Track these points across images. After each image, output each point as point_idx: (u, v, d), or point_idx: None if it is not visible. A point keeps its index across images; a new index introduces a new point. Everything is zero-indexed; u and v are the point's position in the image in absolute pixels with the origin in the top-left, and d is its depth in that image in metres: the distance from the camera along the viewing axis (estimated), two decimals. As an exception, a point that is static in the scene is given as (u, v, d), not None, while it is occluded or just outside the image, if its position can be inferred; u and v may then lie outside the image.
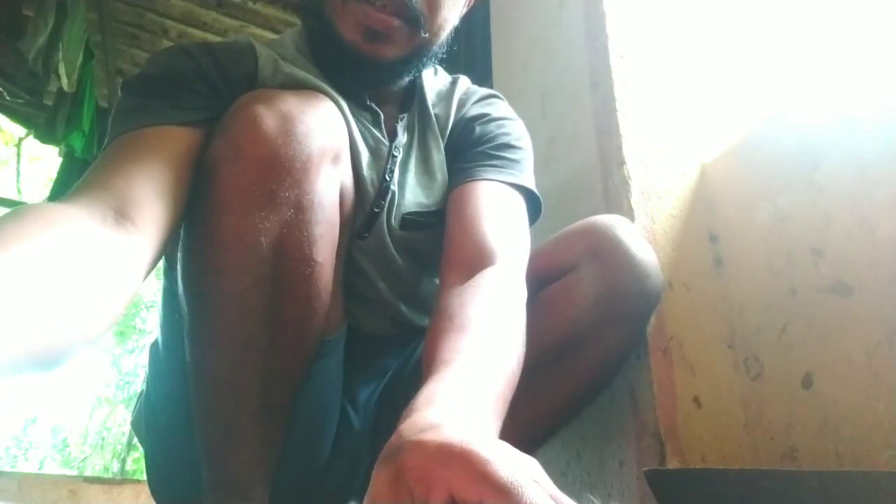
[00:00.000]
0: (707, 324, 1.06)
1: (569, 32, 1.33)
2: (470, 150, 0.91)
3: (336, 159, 0.76)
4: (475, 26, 1.80)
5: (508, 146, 0.91)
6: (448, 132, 0.96)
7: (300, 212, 0.70)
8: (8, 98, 3.63)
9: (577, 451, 1.12)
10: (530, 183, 0.89)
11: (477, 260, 0.73)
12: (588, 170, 1.19)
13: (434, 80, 1.01)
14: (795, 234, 0.97)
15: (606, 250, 0.87)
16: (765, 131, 1.07)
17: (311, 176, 0.70)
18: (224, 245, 0.68)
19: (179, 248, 0.72)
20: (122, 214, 0.61)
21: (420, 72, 0.94)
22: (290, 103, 0.71)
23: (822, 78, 1.03)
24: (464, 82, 1.03)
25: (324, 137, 0.73)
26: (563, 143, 1.31)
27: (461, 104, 0.99)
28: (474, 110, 0.97)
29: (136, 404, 0.91)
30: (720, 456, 0.99)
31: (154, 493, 0.86)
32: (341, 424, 0.86)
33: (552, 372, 0.85)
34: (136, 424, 0.89)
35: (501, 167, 0.87)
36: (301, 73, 0.83)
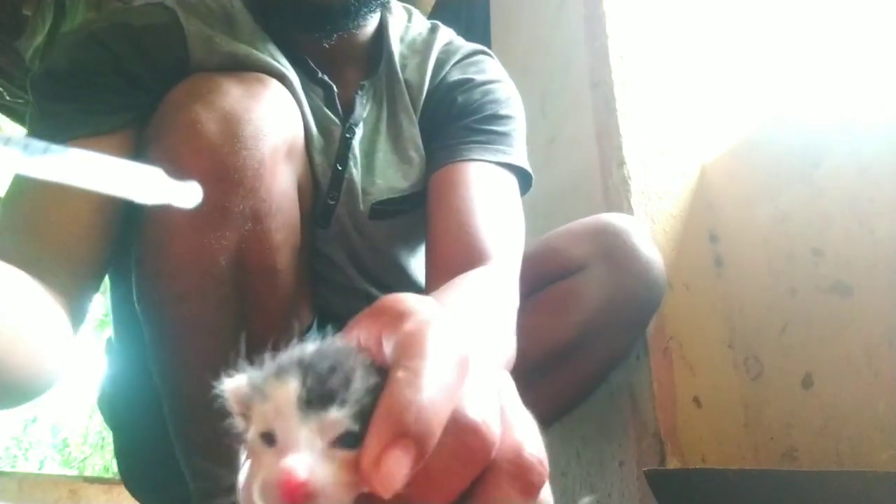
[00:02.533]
0: (707, 324, 1.06)
1: (569, 32, 1.33)
2: (452, 123, 0.79)
3: (290, 152, 0.68)
4: (475, 27, 1.79)
5: (496, 117, 0.79)
6: (422, 101, 0.82)
7: (258, 222, 0.63)
8: (8, 98, 3.63)
9: (577, 451, 1.12)
10: (522, 159, 0.79)
11: (466, 263, 0.64)
12: (588, 170, 1.19)
13: (406, 27, 0.87)
14: (795, 234, 0.97)
15: (620, 255, 0.85)
16: (765, 131, 1.07)
17: (265, 182, 0.63)
18: (180, 271, 0.62)
19: (133, 274, 0.66)
20: (37, 277, 0.56)
21: (385, 6, 0.81)
22: (233, 97, 0.62)
23: (821, 78, 1.03)
24: (444, 34, 0.88)
25: (275, 134, 0.64)
26: (563, 143, 1.31)
27: (439, 65, 0.84)
28: (455, 74, 0.83)
29: (100, 387, 0.87)
30: (720, 456, 0.99)
31: (125, 480, 0.84)
32: None
33: (557, 371, 0.85)
34: (100, 405, 0.86)
35: (489, 143, 0.77)
36: (242, 50, 0.70)
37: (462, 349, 0.24)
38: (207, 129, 0.60)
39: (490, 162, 0.75)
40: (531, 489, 0.23)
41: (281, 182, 0.66)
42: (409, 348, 0.24)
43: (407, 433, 0.21)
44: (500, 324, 0.57)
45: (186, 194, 0.21)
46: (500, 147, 0.77)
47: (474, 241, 0.67)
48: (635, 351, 1.02)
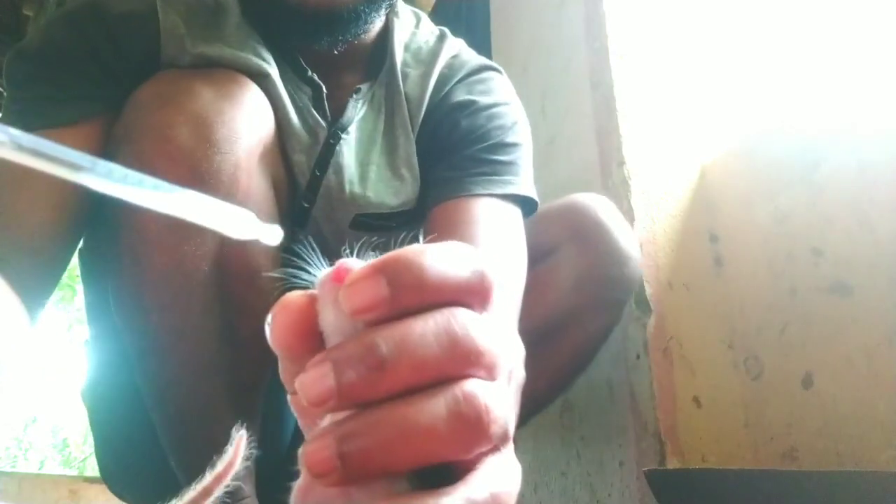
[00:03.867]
0: (707, 324, 1.06)
1: (569, 32, 1.33)
2: (456, 152, 0.76)
3: (265, 152, 0.66)
4: (475, 27, 1.79)
5: (502, 145, 0.77)
6: (421, 117, 0.79)
7: None
8: (8, 98, 3.63)
9: (577, 450, 1.12)
10: (527, 186, 0.78)
11: None
12: (588, 170, 1.19)
13: (413, 33, 0.83)
14: (795, 234, 0.97)
15: (586, 233, 0.84)
16: (765, 132, 1.07)
17: (242, 185, 0.62)
18: (162, 281, 0.61)
19: (111, 285, 0.64)
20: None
21: (392, 5, 0.76)
22: (204, 99, 0.61)
23: (822, 79, 1.03)
24: (451, 45, 0.84)
25: (250, 136, 0.63)
26: (563, 143, 1.31)
27: (442, 80, 0.80)
28: (459, 94, 0.79)
29: (83, 383, 0.86)
30: (720, 456, 0.99)
31: (104, 475, 0.84)
32: None
33: (532, 357, 0.83)
34: (83, 398, 0.85)
35: (494, 175, 0.74)
36: (215, 50, 0.67)
37: (482, 265, 0.25)
38: (179, 133, 0.58)
39: (494, 195, 0.73)
40: (470, 439, 0.23)
41: (258, 184, 0.65)
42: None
43: (381, 272, 0.23)
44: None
45: (271, 233, 0.24)
46: (506, 178, 0.75)
47: None
48: (635, 350, 1.02)
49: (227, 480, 0.29)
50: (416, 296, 0.23)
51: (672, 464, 0.95)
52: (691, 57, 1.24)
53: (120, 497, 0.86)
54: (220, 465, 0.29)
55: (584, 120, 1.23)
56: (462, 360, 0.23)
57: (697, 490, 0.71)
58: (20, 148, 0.20)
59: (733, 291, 1.08)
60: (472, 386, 0.23)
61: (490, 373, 0.24)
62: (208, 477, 0.29)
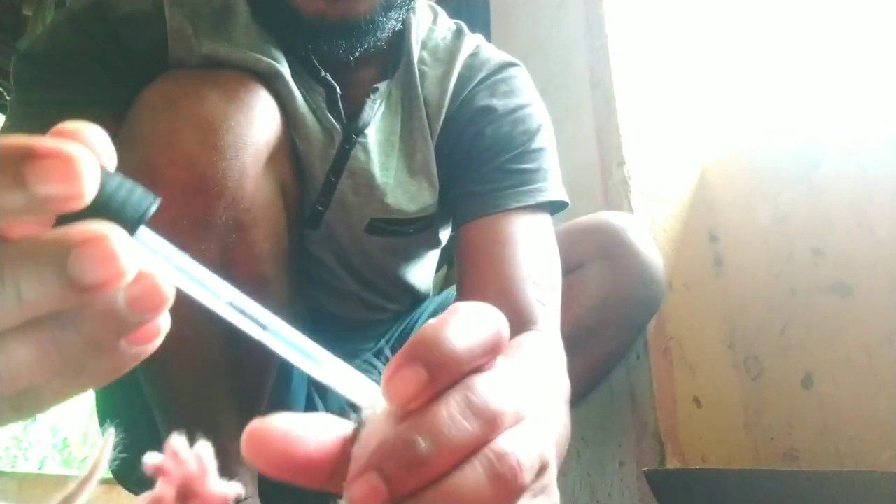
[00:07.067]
0: (707, 324, 1.06)
1: (569, 32, 1.33)
2: (482, 164, 0.74)
3: (274, 156, 0.64)
4: (475, 26, 1.79)
5: (529, 152, 0.75)
6: (441, 122, 0.77)
7: (243, 231, 0.61)
8: (8, 98, 3.63)
9: (577, 451, 1.12)
10: (557, 190, 0.76)
11: (511, 328, 0.63)
12: (588, 170, 1.19)
13: (430, 29, 0.81)
14: (795, 234, 0.97)
15: (617, 253, 0.85)
16: (765, 132, 1.07)
17: (248, 192, 0.60)
18: None
19: None
20: None
21: (410, 7, 0.74)
22: (210, 102, 0.59)
23: (822, 79, 1.03)
24: (470, 41, 0.82)
25: (257, 140, 0.61)
26: (563, 143, 1.31)
27: (462, 82, 0.78)
28: (481, 98, 0.77)
29: None
30: (720, 456, 0.99)
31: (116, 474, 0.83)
32: (308, 410, 0.81)
33: None
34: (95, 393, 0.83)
35: (524, 185, 0.73)
36: (223, 50, 0.66)
37: (496, 321, 0.26)
38: (184, 139, 0.57)
39: (526, 206, 0.72)
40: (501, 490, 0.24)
41: (265, 190, 0.63)
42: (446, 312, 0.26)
43: (416, 358, 0.23)
44: (560, 391, 0.58)
45: (378, 404, 0.25)
46: (535, 186, 0.74)
47: (518, 307, 0.64)
48: (635, 351, 1.02)
49: (92, 485, 0.29)
50: (455, 370, 0.24)
51: (672, 464, 0.95)
52: (691, 57, 1.24)
53: (127, 487, 0.86)
54: (85, 468, 0.29)
55: (584, 120, 1.23)
56: (489, 428, 0.24)
57: (697, 490, 0.71)
58: (233, 306, 0.25)
59: (733, 291, 1.08)
60: (501, 444, 0.24)
61: (517, 420, 0.25)
62: (72, 484, 0.28)
